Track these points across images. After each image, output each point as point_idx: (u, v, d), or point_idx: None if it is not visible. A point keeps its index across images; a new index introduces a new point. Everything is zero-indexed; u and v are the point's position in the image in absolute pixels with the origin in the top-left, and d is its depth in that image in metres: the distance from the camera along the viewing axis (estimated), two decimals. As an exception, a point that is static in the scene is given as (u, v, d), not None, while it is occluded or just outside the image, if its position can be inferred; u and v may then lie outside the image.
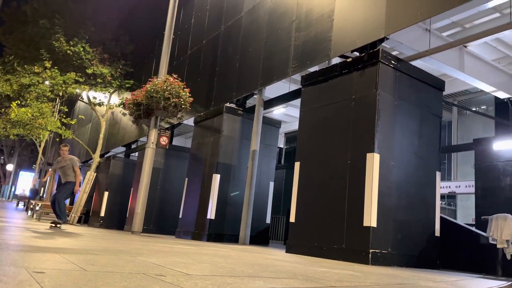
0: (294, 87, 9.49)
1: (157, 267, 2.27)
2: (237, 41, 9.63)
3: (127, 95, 12.75)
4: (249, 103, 9.81)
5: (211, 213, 8.88)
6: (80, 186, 8.37)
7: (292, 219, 6.40)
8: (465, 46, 7.94)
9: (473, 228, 7.58)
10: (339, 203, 5.62)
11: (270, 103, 9.25)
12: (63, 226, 8.28)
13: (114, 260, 2.46)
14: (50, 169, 8.34)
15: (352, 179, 5.54)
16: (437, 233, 6.09)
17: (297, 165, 6.54)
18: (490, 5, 7.93)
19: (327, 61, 7.23)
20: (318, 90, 6.62)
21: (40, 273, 1.60)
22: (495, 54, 9.88)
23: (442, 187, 14.43)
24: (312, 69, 7.42)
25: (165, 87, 8.79)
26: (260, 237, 9.25)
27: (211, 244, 7.01)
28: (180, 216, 10.10)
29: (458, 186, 16.67)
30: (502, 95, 9.62)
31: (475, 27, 9.41)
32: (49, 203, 14.99)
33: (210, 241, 8.56)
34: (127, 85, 15.53)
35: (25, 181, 47.02)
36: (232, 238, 8.78)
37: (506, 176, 8.99)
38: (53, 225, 7.93)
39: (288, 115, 14.74)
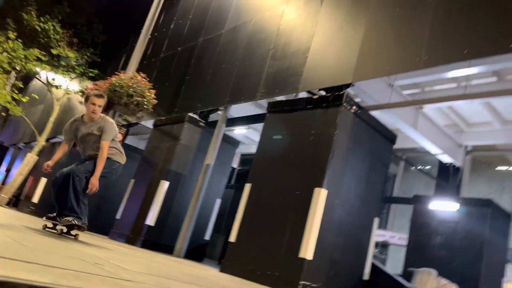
0: (259, 111, 9.68)
1: (94, 257, 2.25)
2: (213, 55, 9.75)
3: (89, 84, 12.41)
4: (212, 117, 9.87)
5: (151, 220, 8.71)
6: (108, 179, 4.80)
7: (232, 238, 6.43)
8: (421, 107, 8.52)
9: (400, 278, 7.96)
10: (281, 231, 5.74)
11: (232, 122, 9.36)
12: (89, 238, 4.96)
13: (51, 243, 2.41)
14: (63, 143, 4.98)
15: (298, 209, 5.69)
16: (366, 277, 6.35)
17: (247, 186, 6.63)
18: (449, 75, 8.60)
19: (295, 94, 7.49)
20: (282, 119, 6.82)
21: (-22, 240, 1.56)
22: (446, 120, 10.62)
23: (377, 234, 14.98)
24: (279, 98, 7.65)
25: (130, 84, 8.67)
26: (196, 253, 9.15)
27: (145, 251, 6.87)
28: (118, 217, 9.80)
29: (392, 236, 17.39)
30: (446, 159, 10.34)
31: (433, 92, 10.12)
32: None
33: (145, 248, 8.35)
34: (90, 74, 15.13)
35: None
36: (167, 248, 8.62)
37: (437, 235, 9.55)
38: (51, 225, 4.57)
39: (247, 137, 14.89)
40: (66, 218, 4.21)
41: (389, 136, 6.93)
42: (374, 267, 6.83)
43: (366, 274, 6.34)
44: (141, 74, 9.04)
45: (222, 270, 6.22)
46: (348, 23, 6.55)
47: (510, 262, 10.50)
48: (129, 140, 14.38)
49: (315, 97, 6.48)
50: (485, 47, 4.78)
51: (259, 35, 8.53)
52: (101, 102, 4.67)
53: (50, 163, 4.71)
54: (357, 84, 6.52)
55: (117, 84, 8.66)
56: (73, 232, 4.42)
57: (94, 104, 4.62)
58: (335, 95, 6.14)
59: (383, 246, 18.23)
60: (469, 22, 5.04)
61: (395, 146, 7.30)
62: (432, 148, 9.57)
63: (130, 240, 8.82)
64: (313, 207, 5.49)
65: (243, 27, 9.15)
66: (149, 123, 11.52)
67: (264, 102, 9.23)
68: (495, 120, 10.05)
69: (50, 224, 4.60)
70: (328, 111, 6.10)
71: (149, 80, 9.23)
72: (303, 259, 5.27)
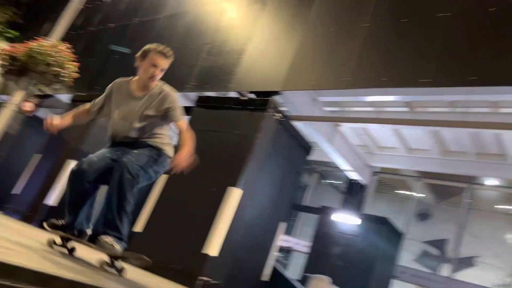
0: (186, 103, 9.54)
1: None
2: (146, 39, 9.33)
3: (5, 45, 11.29)
4: (136, 102, 9.51)
5: (53, 200, 8.16)
6: (151, 178, 3.18)
7: (138, 228, 6.26)
8: (338, 125, 9.05)
9: (297, 283, 8.36)
10: (191, 226, 5.73)
11: (157, 110, 9.12)
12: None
13: None
14: (85, 106, 3.44)
15: (210, 206, 5.73)
16: (265, 278, 6.57)
17: (164, 177, 6.50)
18: (368, 99, 9.24)
19: (224, 92, 7.54)
20: (208, 115, 6.83)
21: None
22: (360, 141, 11.38)
23: (283, 240, 15.49)
24: (208, 93, 7.63)
25: (51, 52, 8.07)
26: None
27: (43, 231, 6.40)
28: (18, 193, 9.04)
29: (297, 243, 18.15)
30: (354, 176, 11.07)
31: (352, 112, 10.78)
32: None
33: (42, 228, 7.79)
34: (8, 35, 13.77)
35: None
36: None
37: (337, 246, 10.16)
38: (60, 241, 3.05)
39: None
40: (102, 238, 2.70)
41: (306, 147, 7.26)
42: (275, 270, 7.10)
43: (265, 276, 6.56)
44: (66, 44, 8.46)
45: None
46: (285, 33, 6.77)
47: (395, 278, 11.51)
48: (42, 113, 13.35)
49: (244, 98, 6.59)
50: (400, 78, 5.25)
51: (197, 28, 8.44)
52: (167, 64, 3.19)
53: (58, 122, 3.09)
54: (285, 93, 6.74)
55: (36, 50, 8.01)
56: (118, 263, 2.78)
57: (156, 66, 3.09)
58: (263, 100, 6.30)
59: (287, 252, 18.95)
60: (391, 52, 5.49)
61: (312, 158, 7.67)
62: (343, 165, 10.20)
63: (27, 219, 8.15)
64: (225, 205, 5.56)
65: (183, 16, 8.99)
66: (66, 97, 10.78)
67: (192, 95, 9.13)
68: (401, 146, 11.00)
69: (58, 239, 3.01)
70: (254, 114, 6.24)
71: (74, 52, 8.67)
72: (207, 255, 5.31)
